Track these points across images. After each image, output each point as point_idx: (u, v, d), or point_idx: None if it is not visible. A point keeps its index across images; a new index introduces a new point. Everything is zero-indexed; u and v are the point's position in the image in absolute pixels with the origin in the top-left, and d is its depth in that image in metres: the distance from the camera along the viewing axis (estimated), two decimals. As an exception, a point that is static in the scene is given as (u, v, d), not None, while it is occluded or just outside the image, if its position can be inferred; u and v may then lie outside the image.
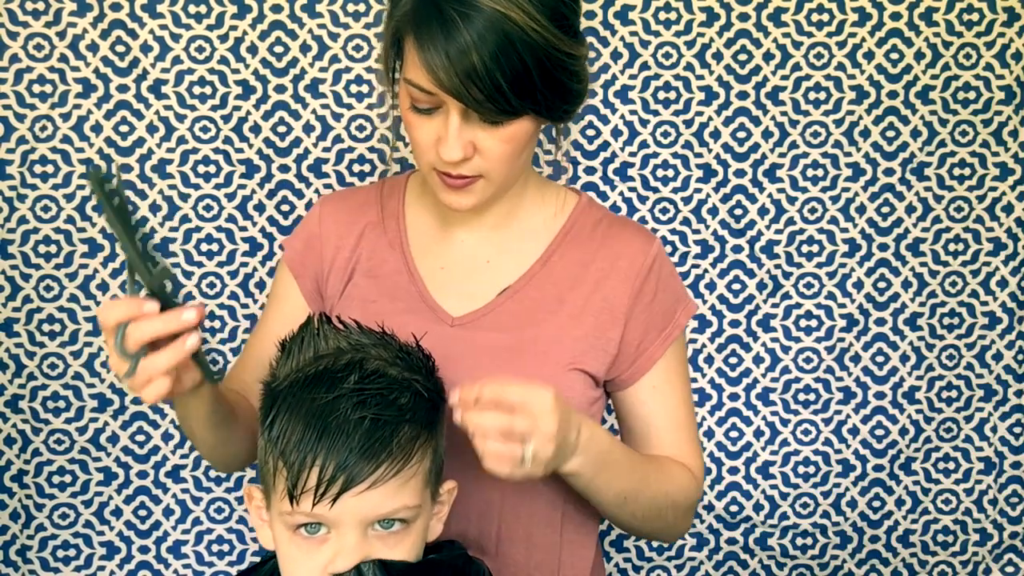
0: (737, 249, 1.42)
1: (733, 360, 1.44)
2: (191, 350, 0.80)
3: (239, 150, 1.34)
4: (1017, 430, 1.49)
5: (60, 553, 1.39)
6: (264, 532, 0.85)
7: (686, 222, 1.41)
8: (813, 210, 1.42)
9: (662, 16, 1.36)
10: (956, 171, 1.42)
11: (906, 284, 1.44)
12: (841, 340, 1.45)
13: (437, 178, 0.93)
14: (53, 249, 1.33)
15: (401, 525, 0.81)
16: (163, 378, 0.79)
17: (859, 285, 1.44)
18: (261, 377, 0.88)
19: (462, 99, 0.85)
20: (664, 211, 1.40)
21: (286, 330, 0.89)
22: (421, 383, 0.83)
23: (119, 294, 1.34)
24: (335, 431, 0.77)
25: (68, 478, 1.38)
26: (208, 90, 1.32)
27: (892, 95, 1.39)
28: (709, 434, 1.46)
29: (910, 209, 1.43)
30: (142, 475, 1.39)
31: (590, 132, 1.38)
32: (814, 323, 1.44)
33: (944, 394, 1.47)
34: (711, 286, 1.42)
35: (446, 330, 0.98)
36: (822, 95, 1.39)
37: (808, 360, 1.45)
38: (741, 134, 1.39)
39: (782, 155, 1.40)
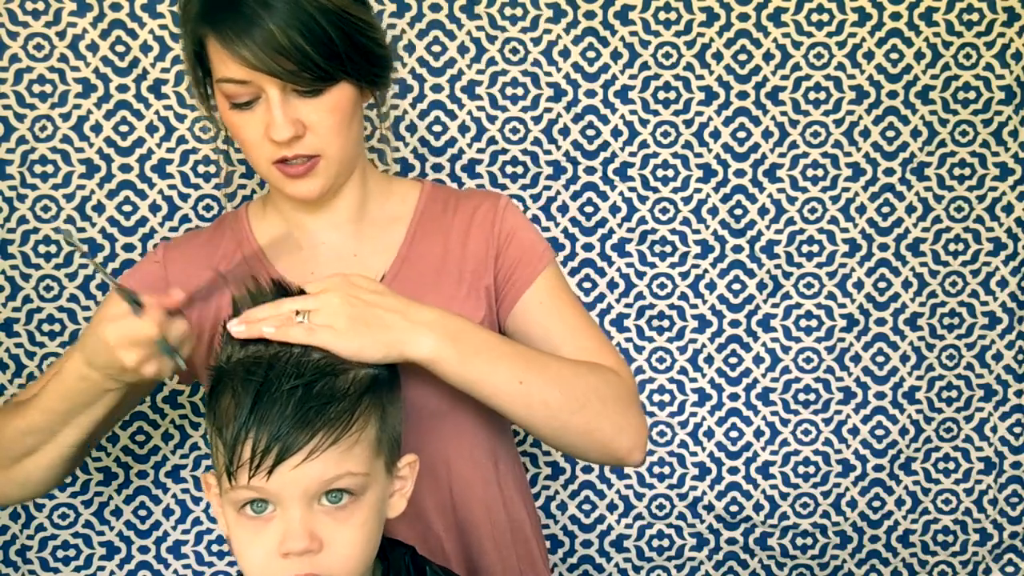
0: (737, 249, 1.42)
1: (733, 360, 1.44)
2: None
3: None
4: (1017, 430, 1.49)
5: (60, 553, 1.39)
6: (223, 520, 0.84)
7: (686, 222, 1.41)
8: (813, 210, 1.42)
9: (662, 16, 1.36)
10: (956, 171, 1.42)
11: (906, 284, 1.44)
12: (841, 340, 1.45)
13: (278, 171, 0.95)
14: (53, 249, 1.33)
15: (349, 498, 0.78)
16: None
17: (859, 285, 1.44)
18: None
19: (275, 73, 0.88)
20: (664, 211, 1.40)
21: None
22: None
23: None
24: (268, 403, 0.76)
25: (68, 478, 1.38)
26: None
27: (892, 95, 1.39)
28: (709, 434, 1.46)
29: (910, 209, 1.43)
30: (142, 475, 1.39)
31: (590, 132, 1.38)
32: (814, 323, 1.44)
33: (944, 394, 1.47)
34: (711, 286, 1.42)
35: None
36: (822, 95, 1.39)
37: (808, 360, 1.45)
38: (741, 134, 1.39)
39: (782, 155, 1.40)
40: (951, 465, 1.49)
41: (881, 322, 1.45)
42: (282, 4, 0.87)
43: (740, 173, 1.40)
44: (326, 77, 0.91)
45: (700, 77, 1.38)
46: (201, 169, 1.34)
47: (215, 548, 1.42)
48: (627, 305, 1.42)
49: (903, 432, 1.47)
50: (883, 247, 1.43)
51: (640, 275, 1.41)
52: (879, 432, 1.47)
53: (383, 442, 0.82)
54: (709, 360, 1.44)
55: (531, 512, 1.13)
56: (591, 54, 1.36)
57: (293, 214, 1.05)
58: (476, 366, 0.91)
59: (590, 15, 1.35)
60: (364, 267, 1.02)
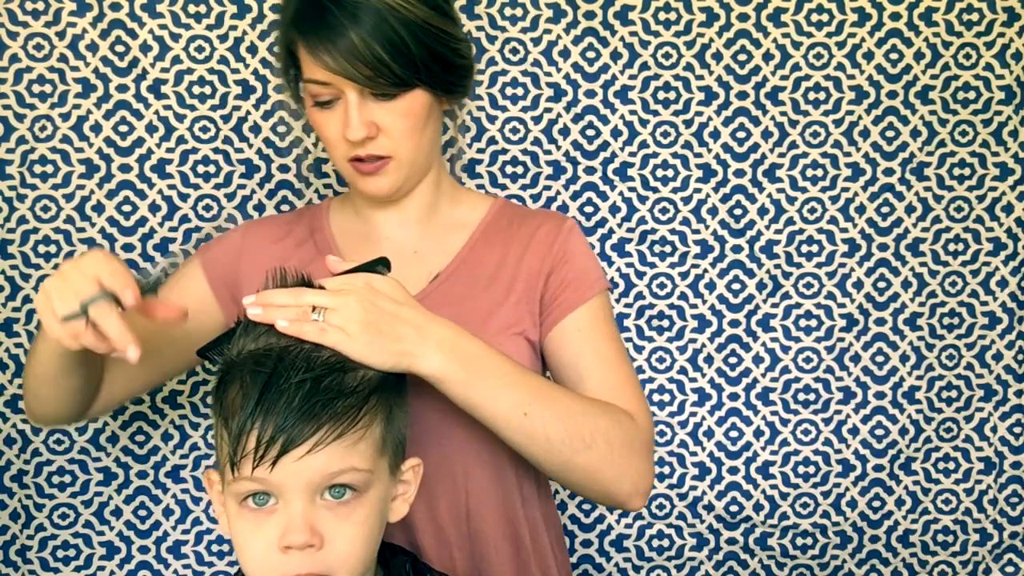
0: (737, 249, 1.42)
1: (733, 360, 1.44)
2: (130, 360, 0.84)
3: (239, 150, 1.34)
4: (1017, 430, 1.49)
5: (60, 553, 1.39)
6: (224, 519, 0.84)
7: (686, 222, 1.41)
8: (813, 210, 1.42)
9: (662, 16, 1.36)
10: (956, 171, 1.42)
11: (906, 284, 1.44)
12: (841, 340, 1.45)
13: (352, 168, 1.01)
14: (53, 249, 1.33)
15: (352, 494, 0.79)
16: (95, 342, 0.84)
17: (859, 285, 1.44)
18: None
19: (352, 78, 0.94)
20: (664, 211, 1.40)
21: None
22: None
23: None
24: (276, 394, 0.76)
25: (68, 478, 1.38)
26: (208, 90, 1.33)
27: (892, 95, 1.39)
28: (709, 434, 1.46)
29: (910, 209, 1.43)
30: (142, 475, 1.39)
31: (590, 132, 1.38)
32: (814, 323, 1.44)
33: (944, 394, 1.47)
34: (711, 286, 1.42)
35: None
36: (822, 95, 1.39)
37: (808, 360, 1.45)
38: (741, 134, 1.39)
39: (782, 155, 1.40)
40: (951, 465, 1.49)
41: (881, 322, 1.45)
42: (365, 15, 0.93)
43: (740, 173, 1.40)
44: (400, 83, 0.96)
45: (700, 77, 1.38)
46: (201, 169, 1.34)
47: (215, 548, 1.42)
48: (627, 305, 1.42)
49: (903, 432, 1.47)
50: (883, 247, 1.43)
51: (640, 275, 1.41)
52: (879, 432, 1.47)
53: (388, 442, 0.83)
54: (709, 360, 1.44)
55: (555, 537, 1.12)
56: (591, 54, 1.36)
57: (365, 209, 1.09)
58: (481, 390, 0.91)
59: (590, 15, 1.35)
60: (422, 264, 1.06)
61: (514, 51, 1.35)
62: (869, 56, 1.38)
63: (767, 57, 1.38)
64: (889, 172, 1.42)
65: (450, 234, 1.08)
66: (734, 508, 1.47)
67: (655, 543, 1.48)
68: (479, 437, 0.99)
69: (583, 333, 1.04)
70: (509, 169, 1.38)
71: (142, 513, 1.40)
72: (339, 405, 0.77)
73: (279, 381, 0.77)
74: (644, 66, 1.37)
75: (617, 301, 1.42)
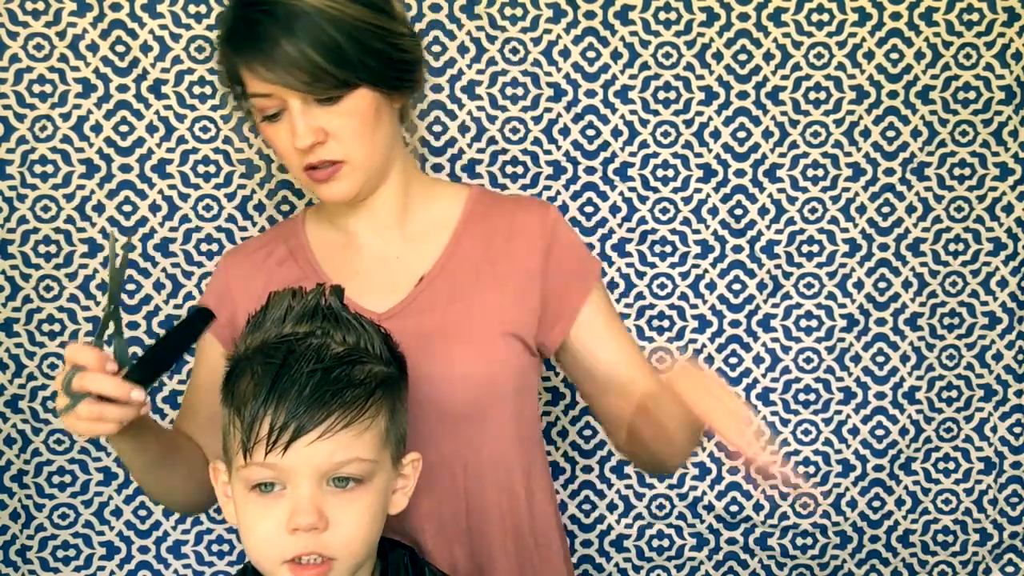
0: (737, 249, 1.42)
1: (733, 360, 1.44)
2: (143, 413, 0.86)
3: (239, 150, 1.34)
4: (1017, 430, 1.49)
5: (60, 553, 1.39)
6: (229, 508, 0.87)
7: (686, 222, 1.41)
8: (813, 210, 1.42)
9: (662, 16, 1.36)
10: (956, 171, 1.42)
11: (906, 284, 1.44)
12: (841, 340, 1.45)
13: (307, 178, 0.99)
14: (53, 249, 1.33)
15: (356, 484, 0.82)
16: (110, 425, 0.85)
17: (859, 285, 1.44)
18: (199, 426, 1.02)
19: (290, 85, 0.93)
20: (664, 211, 1.40)
21: (211, 380, 0.94)
22: (382, 349, 0.87)
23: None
24: (288, 383, 0.80)
25: (68, 478, 1.38)
26: (208, 90, 1.32)
27: (892, 95, 1.39)
28: (709, 434, 1.45)
29: (910, 209, 1.43)
30: (142, 475, 1.39)
31: (590, 132, 1.38)
32: (814, 323, 1.44)
33: (944, 394, 1.47)
34: (711, 286, 1.42)
35: None
36: (822, 95, 1.39)
37: (808, 360, 1.45)
38: (741, 134, 1.39)
39: (782, 155, 1.40)
40: (951, 465, 1.49)
41: (881, 322, 1.45)
42: (296, 22, 0.92)
43: (740, 173, 1.40)
44: (341, 84, 0.94)
45: (700, 77, 1.38)
46: (201, 169, 1.34)
47: (215, 548, 1.42)
48: (627, 305, 1.42)
49: (903, 432, 1.47)
50: (883, 247, 1.43)
51: (640, 275, 1.41)
52: (879, 432, 1.47)
53: (391, 434, 0.86)
54: (709, 360, 1.44)
55: (560, 527, 1.13)
56: (591, 54, 1.36)
57: (338, 218, 1.08)
58: None
59: (590, 15, 1.35)
60: (406, 269, 1.05)
61: (514, 51, 1.35)
62: (870, 56, 1.38)
63: (767, 57, 1.37)
64: (890, 172, 1.42)
65: (430, 235, 1.07)
66: (734, 508, 1.47)
67: (655, 543, 1.48)
68: (482, 437, 1.00)
69: (603, 328, 1.08)
70: (509, 169, 1.38)
71: (142, 513, 1.40)
72: (348, 395, 0.81)
73: (290, 371, 0.80)
74: (644, 66, 1.37)
75: (618, 301, 1.41)
